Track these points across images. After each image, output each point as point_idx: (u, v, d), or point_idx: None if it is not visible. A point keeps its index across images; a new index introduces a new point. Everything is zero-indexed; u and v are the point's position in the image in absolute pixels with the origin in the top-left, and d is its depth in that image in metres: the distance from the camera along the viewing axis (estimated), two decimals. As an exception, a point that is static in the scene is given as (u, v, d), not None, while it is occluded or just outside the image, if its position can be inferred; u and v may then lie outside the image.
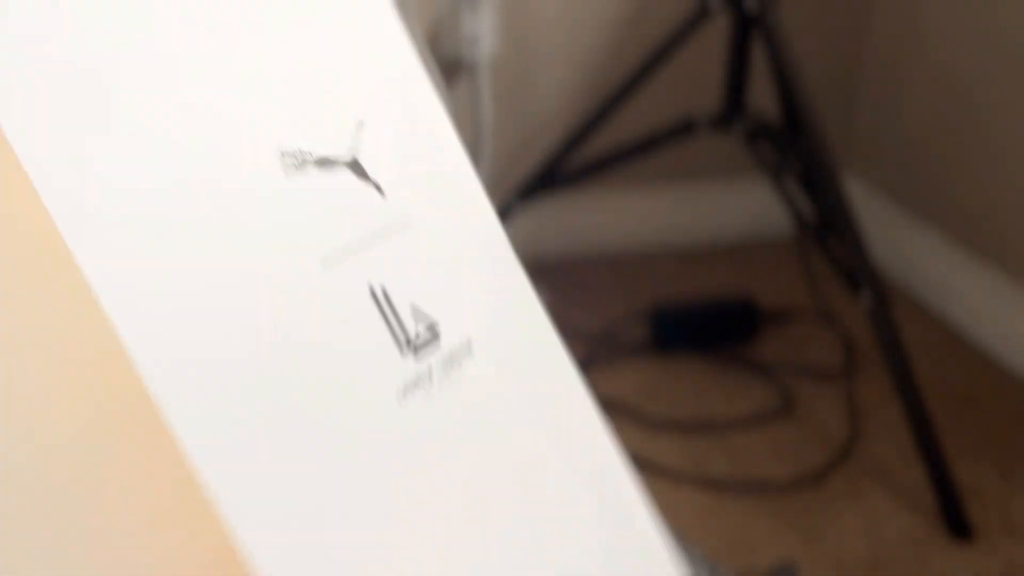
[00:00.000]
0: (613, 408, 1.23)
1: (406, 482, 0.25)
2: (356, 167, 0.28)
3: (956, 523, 1.03)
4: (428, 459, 0.27)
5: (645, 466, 1.13)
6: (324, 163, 0.27)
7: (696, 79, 1.53)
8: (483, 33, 1.41)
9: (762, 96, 1.42)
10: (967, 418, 1.21)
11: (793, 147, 1.15)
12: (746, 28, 1.20)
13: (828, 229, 1.13)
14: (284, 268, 0.25)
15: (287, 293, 0.25)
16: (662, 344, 1.34)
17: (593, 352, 1.34)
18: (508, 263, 0.33)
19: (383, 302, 0.27)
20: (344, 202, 0.27)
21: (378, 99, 0.31)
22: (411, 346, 0.28)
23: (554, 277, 1.53)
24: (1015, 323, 1.31)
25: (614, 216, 1.60)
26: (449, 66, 1.44)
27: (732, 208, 1.65)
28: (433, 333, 0.28)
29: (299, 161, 0.26)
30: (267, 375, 0.23)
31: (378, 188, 0.28)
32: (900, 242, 1.53)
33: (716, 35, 1.49)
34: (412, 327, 0.28)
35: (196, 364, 0.22)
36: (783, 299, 1.47)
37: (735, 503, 1.07)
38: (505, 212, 1.37)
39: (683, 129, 1.27)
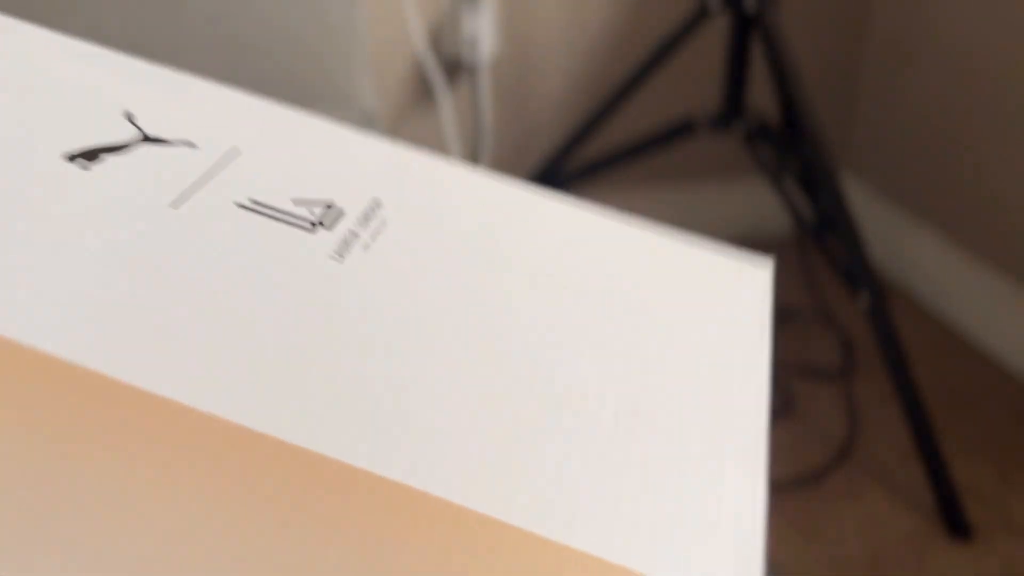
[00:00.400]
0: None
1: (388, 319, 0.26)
2: (150, 139, 0.29)
3: (955, 523, 1.03)
4: (399, 289, 0.28)
5: (645, 466, 1.13)
6: (118, 148, 0.28)
7: (696, 79, 1.53)
8: (483, 33, 1.41)
9: (762, 96, 1.43)
10: (966, 418, 1.21)
11: (792, 147, 1.16)
12: (746, 28, 1.20)
13: (827, 229, 1.13)
14: (135, 220, 0.26)
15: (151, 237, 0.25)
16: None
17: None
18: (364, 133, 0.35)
19: (260, 208, 0.28)
20: (159, 165, 0.28)
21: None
22: (321, 225, 0.29)
23: (554, 277, 1.53)
24: (1015, 323, 1.31)
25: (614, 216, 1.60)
26: (449, 66, 1.45)
27: (732, 208, 1.65)
28: (335, 209, 0.29)
29: (91, 157, 0.27)
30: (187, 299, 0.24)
31: (188, 143, 0.29)
32: (899, 242, 1.53)
33: (716, 35, 1.49)
34: (307, 213, 0.29)
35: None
36: (782, 299, 1.47)
37: (734, 503, 1.07)
38: (505, 212, 1.37)
39: (683, 129, 1.27)
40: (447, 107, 1.41)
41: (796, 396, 1.25)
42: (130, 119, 0.29)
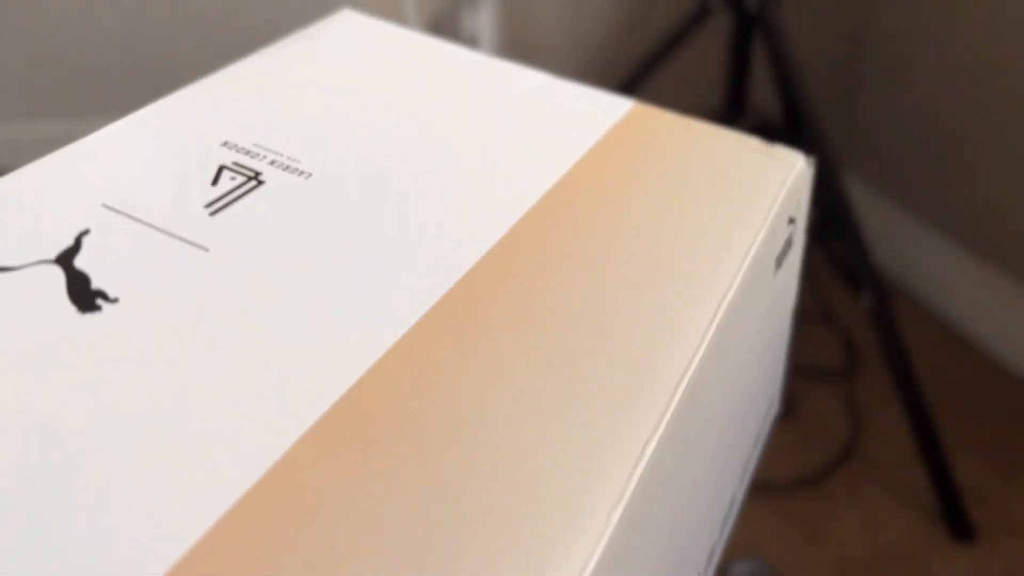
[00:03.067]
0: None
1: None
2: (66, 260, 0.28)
3: (956, 523, 1.03)
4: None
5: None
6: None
7: (697, 78, 1.53)
8: (483, 33, 1.41)
9: (763, 95, 1.43)
10: (967, 418, 1.21)
11: (794, 146, 1.15)
12: (747, 27, 1.20)
13: (829, 229, 1.13)
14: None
15: None
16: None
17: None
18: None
19: None
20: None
21: None
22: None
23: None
24: (1015, 323, 1.31)
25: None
26: (449, 65, 1.44)
27: (733, 208, 1.65)
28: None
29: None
30: None
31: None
32: (901, 242, 1.53)
33: (717, 34, 1.49)
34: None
35: None
36: (784, 299, 1.47)
37: (736, 503, 1.07)
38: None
39: (684, 129, 1.27)
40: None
41: (798, 396, 1.25)
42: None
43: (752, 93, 1.40)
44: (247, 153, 0.30)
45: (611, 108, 0.35)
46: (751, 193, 0.31)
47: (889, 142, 1.56)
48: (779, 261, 0.31)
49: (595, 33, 1.49)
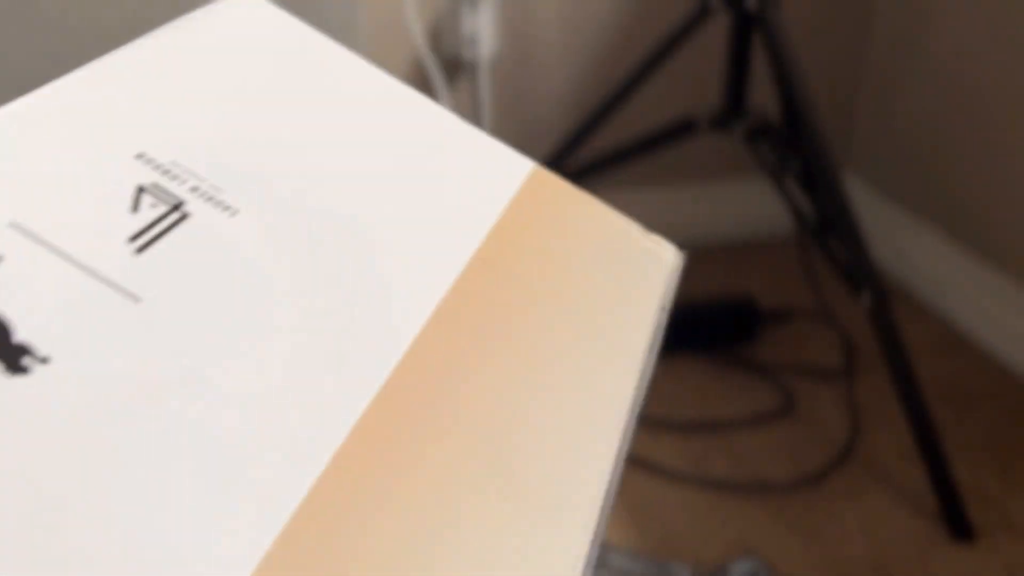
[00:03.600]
0: (613, 408, 1.22)
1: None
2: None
3: (956, 523, 1.03)
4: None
5: (645, 466, 1.13)
6: None
7: (696, 79, 1.53)
8: (483, 33, 1.41)
9: (763, 95, 1.43)
10: (967, 418, 1.21)
11: (793, 147, 1.15)
12: (746, 27, 1.20)
13: (828, 229, 1.13)
14: None
15: None
16: (662, 344, 1.34)
17: (593, 352, 1.33)
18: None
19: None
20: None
21: None
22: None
23: (554, 277, 1.53)
24: (1015, 323, 1.31)
25: (614, 216, 1.60)
26: (449, 66, 1.44)
27: (732, 208, 1.65)
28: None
29: None
30: None
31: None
32: (900, 242, 1.53)
33: (717, 34, 1.49)
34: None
35: None
36: (783, 299, 1.47)
37: (735, 503, 1.07)
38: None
39: (683, 129, 1.27)
40: (447, 106, 1.41)
41: (797, 396, 1.25)
42: None
43: (752, 93, 1.40)
44: (166, 173, 0.27)
45: (510, 173, 0.35)
46: (642, 292, 0.33)
47: (888, 142, 1.56)
48: (653, 349, 0.33)
49: (595, 33, 1.49)
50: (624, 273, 0.33)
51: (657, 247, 0.35)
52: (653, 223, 1.63)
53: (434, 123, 0.35)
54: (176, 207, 0.26)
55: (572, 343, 0.30)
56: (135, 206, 0.26)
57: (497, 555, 0.23)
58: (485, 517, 0.24)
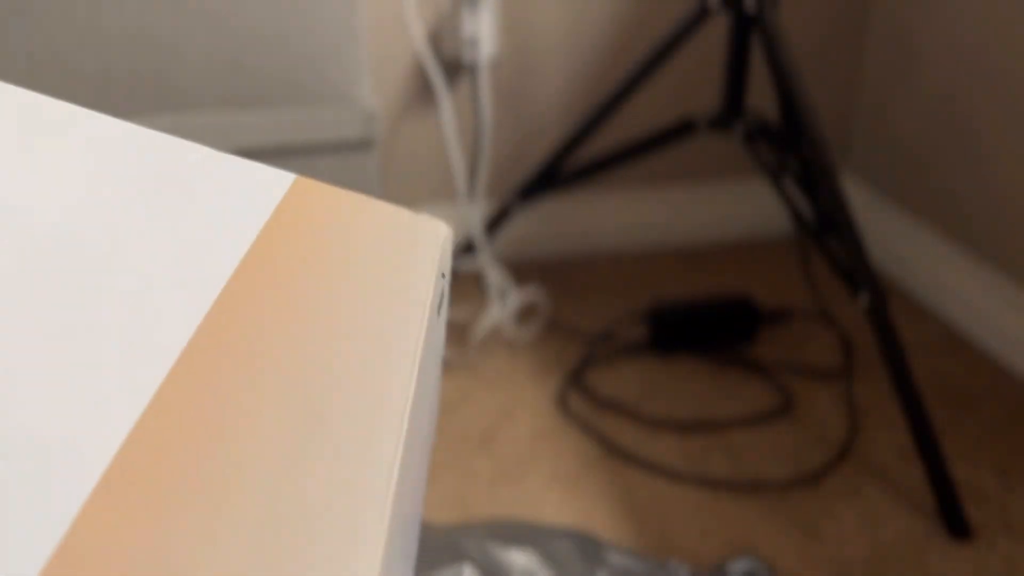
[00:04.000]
0: (613, 408, 1.23)
1: None
2: None
3: (955, 523, 1.03)
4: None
5: (645, 466, 1.13)
6: None
7: (696, 79, 1.53)
8: (483, 34, 1.41)
9: (762, 96, 1.43)
10: (966, 418, 1.21)
11: (792, 147, 1.16)
12: (745, 28, 1.20)
13: (827, 229, 1.13)
14: None
15: None
16: (661, 344, 1.34)
17: (592, 352, 1.34)
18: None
19: None
20: None
21: None
22: None
23: (554, 277, 1.53)
24: (1015, 323, 1.31)
25: (614, 216, 1.61)
26: (449, 66, 1.45)
27: (732, 208, 1.65)
28: None
29: None
30: None
31: None
32: (899, 242, 1.53)
33: (716, 35, 1.50)
34: None
35: None
36: (782, 299, 1.47)
37: (735, 503, 1.07)
38: (505, 212, 1.38)
39: (683, 129, 1.27)
40: (447, 107, 1.41)
41: (796, 396, 1.25)
42: None
43: (750, 94, 1.40)
44: None
45: (269, 188, 0.36)
46: (416, 263, 0.36)
47: (887, 142, 1.56)
48: (438, 310, 0.36)
49: (595, 34, 1.49)
50: (398, 249, 0.36)
51: (427, 223, 0.39)
52: (653, 223, 1.63)
53: (178, 156, 0.36)
54: None
55: (358, 306, 0.32)
56: None
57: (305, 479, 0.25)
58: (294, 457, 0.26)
